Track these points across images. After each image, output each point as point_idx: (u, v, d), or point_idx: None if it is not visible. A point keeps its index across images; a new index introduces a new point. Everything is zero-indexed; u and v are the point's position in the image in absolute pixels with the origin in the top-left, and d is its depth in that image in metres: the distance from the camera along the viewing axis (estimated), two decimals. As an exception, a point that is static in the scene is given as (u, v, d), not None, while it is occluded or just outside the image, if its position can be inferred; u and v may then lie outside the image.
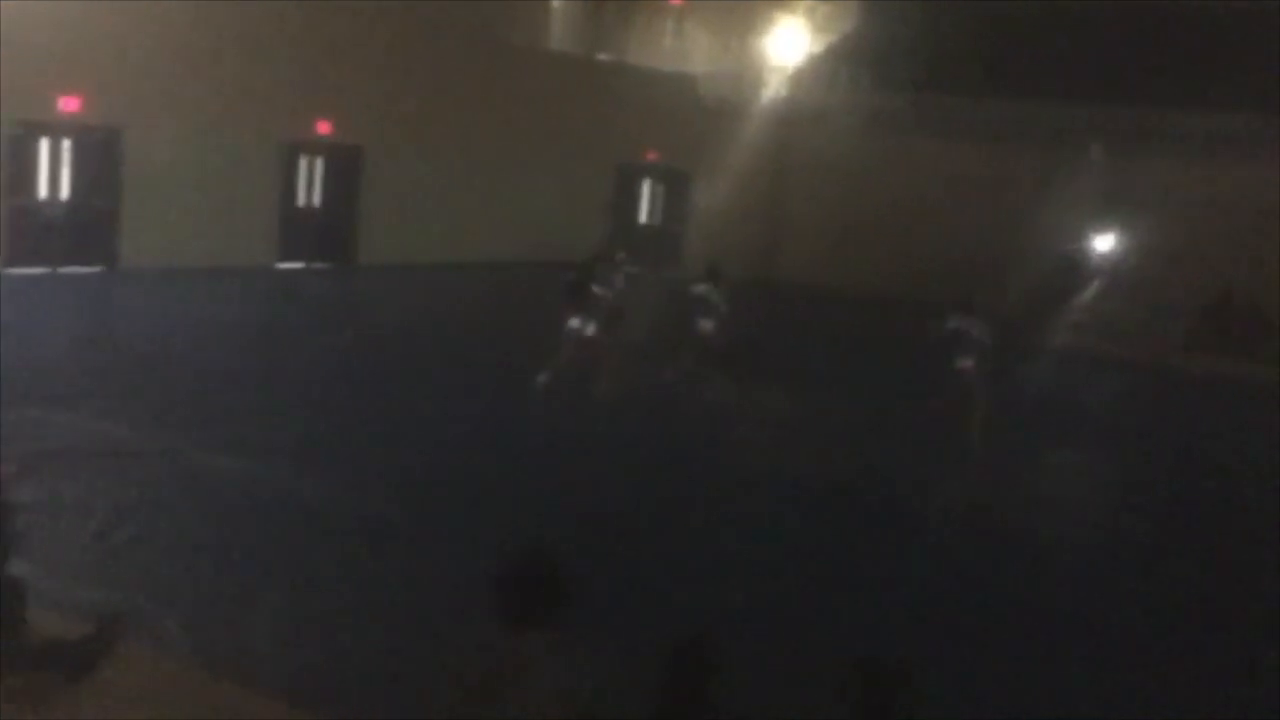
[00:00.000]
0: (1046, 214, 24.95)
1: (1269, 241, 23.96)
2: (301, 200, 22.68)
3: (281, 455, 10.40)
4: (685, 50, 31.23)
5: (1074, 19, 29.45)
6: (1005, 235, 24.90)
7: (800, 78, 31.68)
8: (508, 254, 24.20)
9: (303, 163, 22.55)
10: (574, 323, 13.97)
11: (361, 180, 22.96)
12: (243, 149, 20.53)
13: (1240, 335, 22.34)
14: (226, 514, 8.84)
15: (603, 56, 29.43)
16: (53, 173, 19.32)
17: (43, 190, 19.30)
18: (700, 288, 15.51)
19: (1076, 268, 24.63)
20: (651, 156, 28.61)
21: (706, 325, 15.20)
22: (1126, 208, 24.67)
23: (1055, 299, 23.61)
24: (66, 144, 19.35)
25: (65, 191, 19.53)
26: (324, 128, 22.00)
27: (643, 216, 30.08)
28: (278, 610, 7.20)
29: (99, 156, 19.46)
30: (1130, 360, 21.10)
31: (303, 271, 22.16)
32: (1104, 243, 25.18)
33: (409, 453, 11.03)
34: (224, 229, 20.36)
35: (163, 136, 19.47)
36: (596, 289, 14.56)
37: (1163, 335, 22.25)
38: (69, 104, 18.65)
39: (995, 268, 24.46)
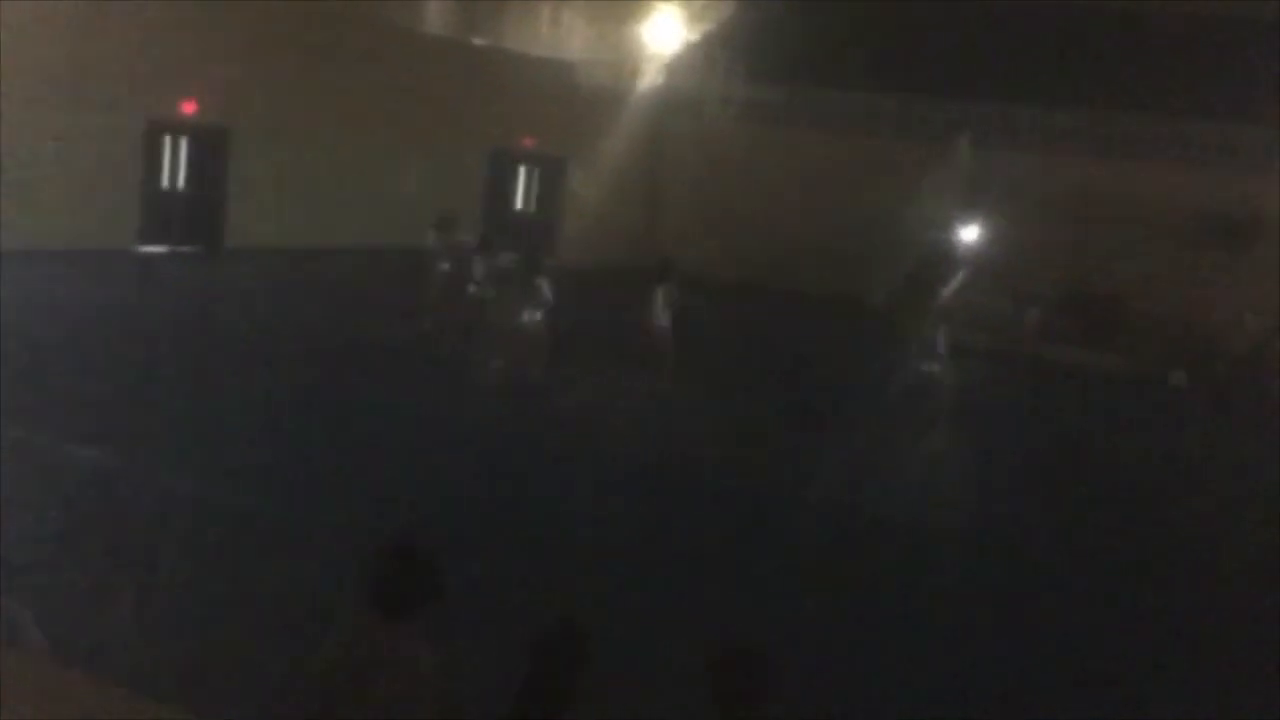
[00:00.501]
0: (915, 205, 25.56)
1: (1125, 234, 24.95)
2: (165, 182, 22.05)
3: (140, 444, 10.16)
4: (562, 36, 31.17)
5: (944, 16, 30.20)
6: (874, 226, 25.45)
7: (677, 66, 31.90)
8: (379, 239, 23.88)
9: (167, 143, 21.93)
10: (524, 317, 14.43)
11: (228, 162, 22.43)
12: (103, 128, 19.86)
13: (1097, 325, 23.18)
14: (81, 505, 8.61)
15: (479, 41, 29.20)
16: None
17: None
18: (661, 287, 15.23)
19: (943, 258, 25.26)
20: (528, 142, 28.51)
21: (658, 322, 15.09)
22: (991, 200, 25.40)
23: (922, 289, 24.20)
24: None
25: (-88, 170, 18.71)
26: (189, 107, 21.43)
27: (518, 203, 29.98)
28: (138, 603, 7.05)
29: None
30: (993, 350, 21.76)
31: (166, 255, 21.57)
32: (969, 234, 25.88)
33: (274, 441, 10.87)
34: (83, 210, 19.68)
35: (17, 114, 18.73)
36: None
37: (1024, 325, 22.96)
38: (-84, 79, 17.86)
39: (864, 258, 25.06)
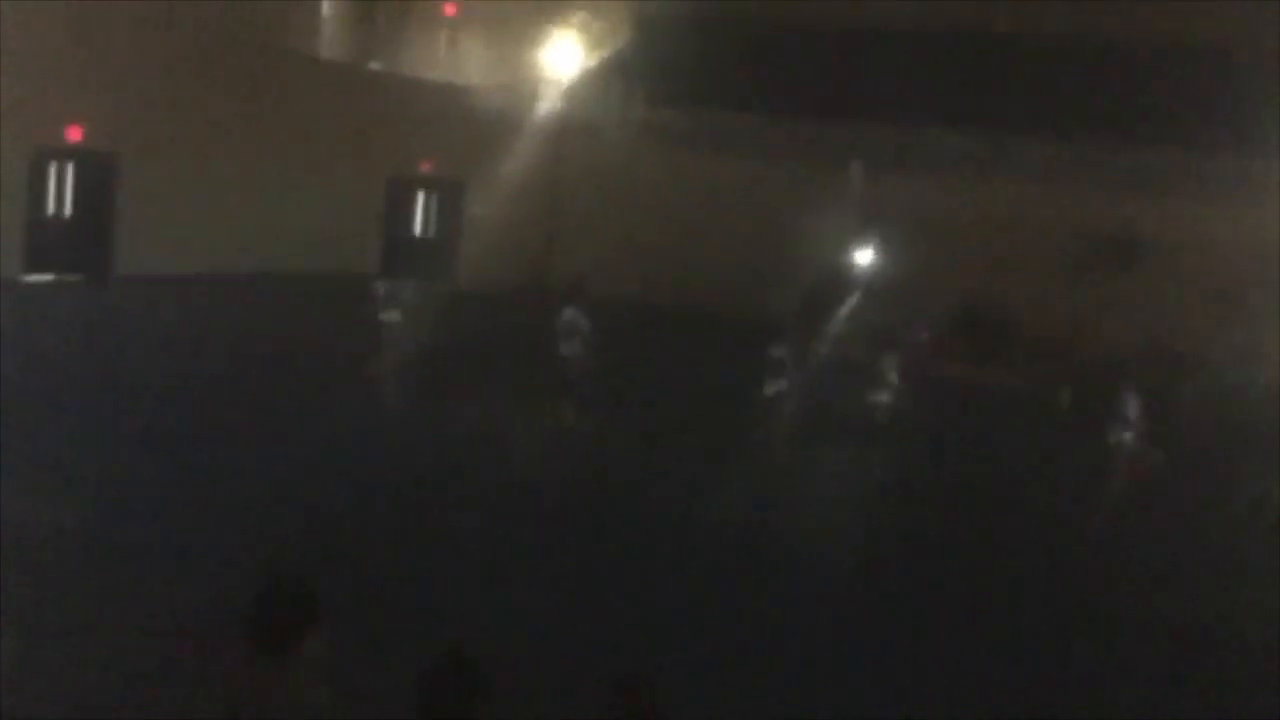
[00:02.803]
0: (810, 228, 25.96)
1: (1011, 255, 25.61)
2: (51, 209, 21.51)
3: (21, 479, 9.89)
4: (459, 61, 31.14)
5: (838, 43, 30.78)
6: (771, 248, 25.81)
7: (574, 90, 32.03)
8: (275, 266, 23.58)
9: (53, 169, 21.40)
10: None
11: (117, 188, 21.96)
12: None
13: (985, 344, 23.75)
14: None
15: (375, 65, 29.04)
16: None
17: None
18: (568, 311, 15.04)
19: (838, 279, 25.69)
20: (425, 167, 28.38)
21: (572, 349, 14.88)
22: (883, 222, 25.91)
23: (818, 310, 24.59)
24: None
25: None
26: (76, 133, 20.95)
27: (416, 228, 29.79)
28: (22, 638, 6.88)
29: None
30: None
31: (52, 284, 21.03)
32: (863, 256, 26.35)
33: (160, 473, 10.68)
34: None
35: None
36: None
37: (915, 344, 23.41)
38: None
39: (761, 279, 25.37)
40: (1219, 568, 11.86)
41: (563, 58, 32.52)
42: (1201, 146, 25.32)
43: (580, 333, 14.88)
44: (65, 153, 21.31)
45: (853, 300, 24.83)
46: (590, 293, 15.49)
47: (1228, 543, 12.83)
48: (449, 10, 31.39)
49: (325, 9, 28.20)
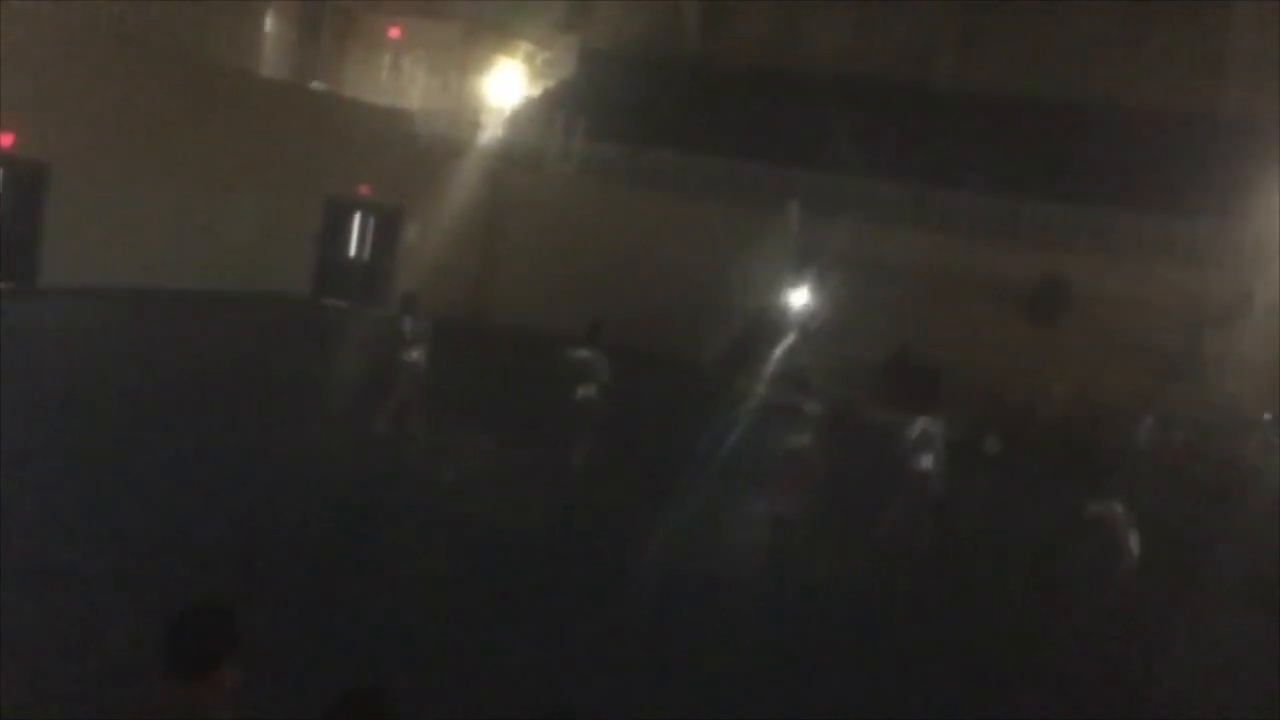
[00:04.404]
0: (745, 269, 26.12)
1: (941, 302, 25.96)
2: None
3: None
4: (402, 85, 31.06)
5: (780, 87, 31.15)
6: (705, 288, 25.91)
7: (516, 121, 32.07)
8: (207, 282, 23.26)
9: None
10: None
11: (46, 197, 21.52)
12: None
13: (914, 390, 23.95)
14: None
15: (317, 86, 28.86)
16: None
17: None
18: (581, 352, 14.64)
19: (771, 322, 25.85)
20: (363, 190, 28.18)
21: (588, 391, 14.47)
22: (818, 266, 26.14)
23: (751, 351, 24.72)
24: None
25: None
26: (5, 140, 20.53)
27: (351, 251, 29.55)
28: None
29: None
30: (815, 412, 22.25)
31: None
32: (797, 299, 26.53)
33: (75, 491, 10.40)
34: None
35: None
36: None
37: (846, 388, 23.60)
38: None
39: (694, 318, 25.47)
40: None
41: (507, 87, 32.59)
42: (1129, 203, 25.94)
43: (598, 376, 14.52)
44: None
45: (785, 343, 24.97)
46: (606, 335, 15.03)
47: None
48: (393, 33, 31.33)
49: (268, 26, 28.00)
